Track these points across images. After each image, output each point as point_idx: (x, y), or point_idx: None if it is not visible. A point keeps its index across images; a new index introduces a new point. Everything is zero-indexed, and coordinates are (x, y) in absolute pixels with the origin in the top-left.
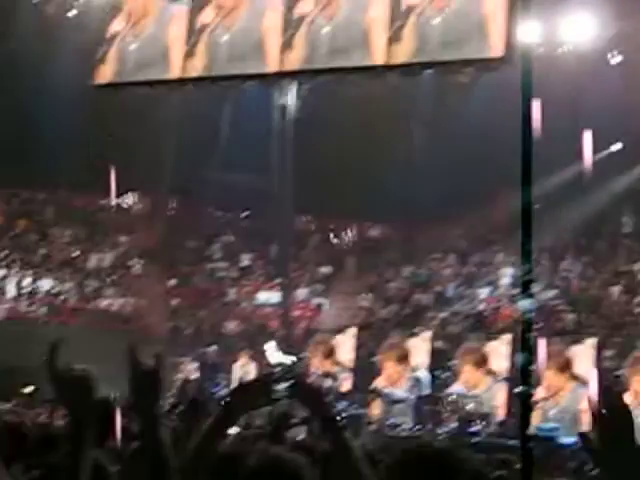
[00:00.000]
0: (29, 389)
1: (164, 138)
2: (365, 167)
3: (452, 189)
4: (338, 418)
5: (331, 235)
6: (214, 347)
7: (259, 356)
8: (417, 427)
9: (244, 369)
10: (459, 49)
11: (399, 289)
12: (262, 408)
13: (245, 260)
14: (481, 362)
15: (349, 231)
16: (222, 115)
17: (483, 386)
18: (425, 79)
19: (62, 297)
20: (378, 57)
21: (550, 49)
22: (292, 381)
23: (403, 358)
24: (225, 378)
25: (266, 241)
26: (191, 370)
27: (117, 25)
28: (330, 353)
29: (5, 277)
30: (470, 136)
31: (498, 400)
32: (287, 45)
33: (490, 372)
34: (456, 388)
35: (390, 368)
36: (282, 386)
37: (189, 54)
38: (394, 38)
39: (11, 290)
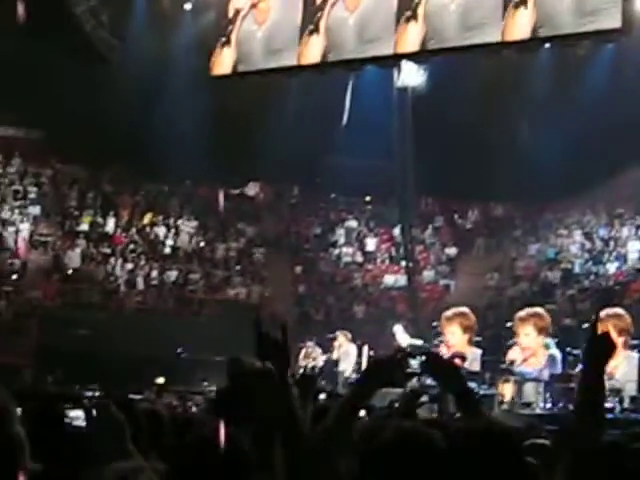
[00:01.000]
0: (161, 380)
1: (285, 125)
2: (486, 146)
3: (575, 164)
4: (473, 393)
5: (455, 216)
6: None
7: (356, 337)
8: (549, 405)
9: (341, 350)
10: (576, 22)
11: (526, 267)
12: (397, 383)
13: (370, 244)
14: (621, 330)
15: (473, 212)
16: (342, 100)
17: (619, 358)
18: (543, 54)
19: (190, 288)
20: (496, 34)
21: None
22: (425, 357)
23: (542, 330)
24: (357, 362)
25: (390, 224)
26: (319, 355)
27: (237, 15)
28: (459, 332)
29: (133, 270)
30: (591, 110)
31: (631, 375)
32: (408, 24)
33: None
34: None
35: (527, 338)
36: (416, 361)
37: (309, 37)
38: (513, 14)
39: (140, 283)
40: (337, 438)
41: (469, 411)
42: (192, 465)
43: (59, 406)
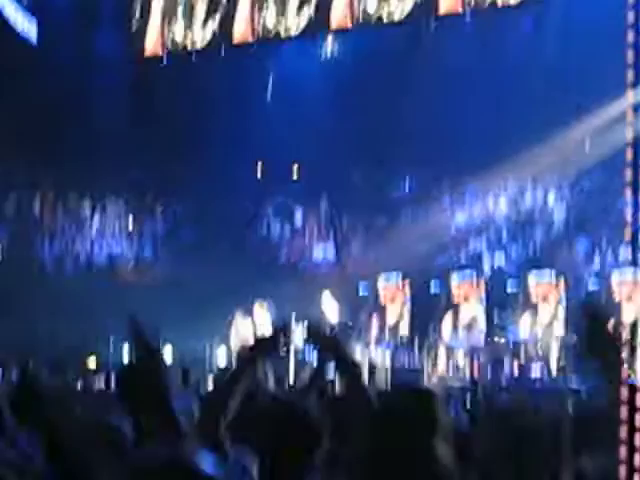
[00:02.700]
0: (92, 361)
1: (213, 105)
2: (409, 116)
3: (499, 133)
4: (353, 362)
5: (383, 186)
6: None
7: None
8: (476, 374)
9: (238, 328)
10: None
11: (454, 236)
12: (279, 354)
13: (298, 218)
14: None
15: (401, 181)
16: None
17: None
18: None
19: (119, 268)
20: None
21: None
22: (307, 327)
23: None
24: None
25: (318, 197)
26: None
27: None
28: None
29: (61, 251)
30: (514, 78)
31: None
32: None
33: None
34: (516, 333)
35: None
36: (298, 333)
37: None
38: None
39: (68, 264)
40: (221, 404)
41: (348, 378)
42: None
43: None
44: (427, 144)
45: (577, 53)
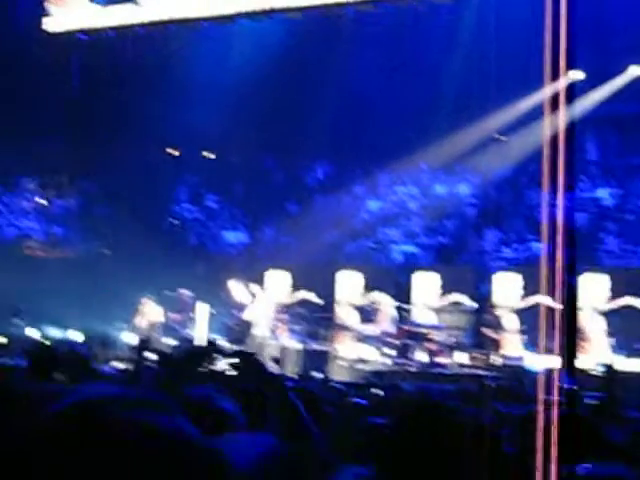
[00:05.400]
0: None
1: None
2: (328, 104)
3: (414, 121)
4: (282, 386)
5: (296, 173)
6: (185, 291)
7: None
8: (384, 361)
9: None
10: None
11: (365, 224)
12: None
13: (211, 201)
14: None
15: (316, 168)
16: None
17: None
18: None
19: (29, 245)
20: None
21: None
22: (234, 350)
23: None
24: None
25: (231, 181)
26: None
27: None
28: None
29: None
30: (430, 69)
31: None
32: None
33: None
34: (425, 320)
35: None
36: (225, 355)
37: None
38: None
39: None
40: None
41: (278, 396)
42: None
43: None
44: (341, 133)
45: (496, 45)
